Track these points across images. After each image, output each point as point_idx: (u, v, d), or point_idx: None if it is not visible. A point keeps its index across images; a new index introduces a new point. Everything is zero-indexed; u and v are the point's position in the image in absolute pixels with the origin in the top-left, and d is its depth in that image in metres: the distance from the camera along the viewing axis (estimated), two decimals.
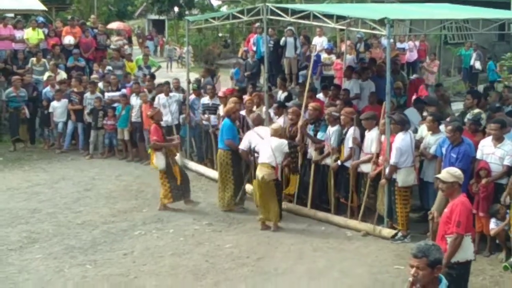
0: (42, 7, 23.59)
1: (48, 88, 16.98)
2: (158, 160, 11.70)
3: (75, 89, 16.59)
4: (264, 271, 9.10)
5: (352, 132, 10.96)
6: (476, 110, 11.18)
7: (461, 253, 6.78)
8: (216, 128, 13.44)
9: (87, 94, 16.26)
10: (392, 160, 10.04)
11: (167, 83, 15.83)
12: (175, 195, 11.81)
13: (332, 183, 11.31)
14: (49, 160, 15.83)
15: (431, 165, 10.32)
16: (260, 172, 10.69)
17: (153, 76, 17.60)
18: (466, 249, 6.83)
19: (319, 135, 11.56)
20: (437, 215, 8.21)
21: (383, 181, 10.28)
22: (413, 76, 18.40)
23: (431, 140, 10.36)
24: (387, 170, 10.18)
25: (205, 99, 14.65)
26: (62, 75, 17.85)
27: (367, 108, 12.85)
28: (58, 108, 16.49)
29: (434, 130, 10.42)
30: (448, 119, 10.41)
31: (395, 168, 10.06)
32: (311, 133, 11.68)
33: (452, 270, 6.73)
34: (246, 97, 13.80)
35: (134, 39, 40.50)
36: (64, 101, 16.48)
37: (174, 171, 11.75)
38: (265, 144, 10.90)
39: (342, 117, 11.20)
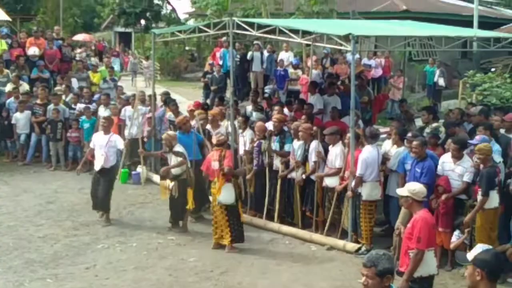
0: (6, 17, 23.34)
1: (12, 99, 16.75)
2: (227, 193, 10.37)
3: (39, 101, 16.40)
4: (228, 285, 9.07)
5: (314, 146, 11.01)
6: (435, 124, 11.35)
7: (424, 267, 6.84)
8: None
9: (51, 106, 16.09)
10: (358, 172, 10.12)
11: (134, 95, 15.77)
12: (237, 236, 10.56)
13: (298, 197, 11.35)
14: (11, 173, 15.58)
15: (396, 180, 10.42)
16: None
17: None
18: (428, 264, 6.89)
19: (286, 147, 11.62)
20: (403, 230, 8.29)
21: (349, 193, 10.34)
22: None
23: (392, 153, 10.56)
24: (352, 183, 10.24)
25: (171, 115, 14.57)
26: (25, 86, 17.61)
27: (328, 123, 12.95)
28: (21, 119, 16.28)
29: (397, 143, 10.57)
30: (409, 134, 10.53)
31: (360, 180, 10.14)
32: (277, 144, 11.72)
33: (415, 285, 6.80)
34: (211, 111, 13.80)
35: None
36: (27, 112, 16.28)
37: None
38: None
39: (300, 133, 11.26)
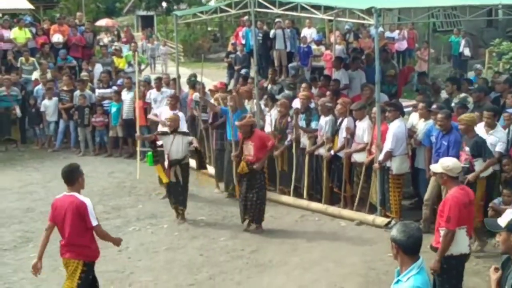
0: (29, 5, 23.51)
1: (40, 86, 16.92)
2: None
3: (65, 88, 16.56)
4: (258, 263, 9.14)
5: (347, 122, 10.97)
6: (463, 95, 11.20)
7: (454, 246, 6.70)
8: (210, 123, 13.40)
9: (77, 92, 16.24)
10: (389, 146, 10.08)
11: (159, 78, 15.85)
12: None
13: (325, 173, 11.34)
14: (41, 160, 15.79)
15: (424, 152, 10.35)
16: None
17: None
18: (459, 243, 6.73)
19: (313, 124, 11.58)
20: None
21: (376, 165, 10.29)
22: None
23: (421, 127, 10.46)
24: (380, 156, 10.21)
25: (197, 95, 14.54)
26: (50, 74, 17.75)
27: (357, 97, 12.86)
28: (50, 106, 16.46)
29: (425, 116, 10.49)
30: (434, 106, 10.42)
31: (390, 154, 10.11)
32: (303, 122, 11.69)
33: (445, 263, 6.70)
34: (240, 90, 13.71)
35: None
36: (55, 99, 16.46)
37: None
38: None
39: (338, 106, 11.18)
